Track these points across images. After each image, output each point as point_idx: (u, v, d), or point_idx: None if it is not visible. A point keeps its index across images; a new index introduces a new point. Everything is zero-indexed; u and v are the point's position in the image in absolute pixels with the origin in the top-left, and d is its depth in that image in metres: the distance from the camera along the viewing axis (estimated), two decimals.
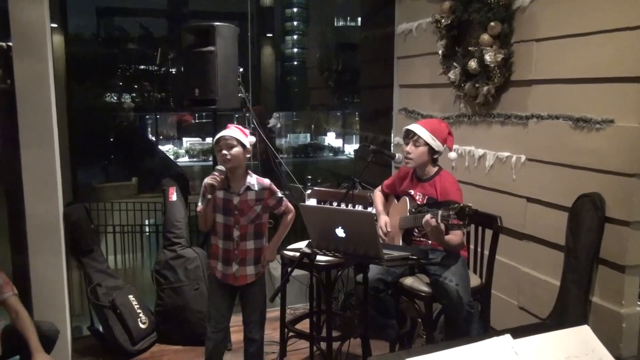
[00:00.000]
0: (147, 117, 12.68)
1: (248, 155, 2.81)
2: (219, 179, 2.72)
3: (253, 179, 2.84)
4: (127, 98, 12.24)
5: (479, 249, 3.00)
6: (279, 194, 2.88)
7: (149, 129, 12.90)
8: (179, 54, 3.92)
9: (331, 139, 14.05)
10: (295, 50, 12.01)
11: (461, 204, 2.39)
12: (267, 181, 2.86)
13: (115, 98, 12.35)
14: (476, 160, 3.44)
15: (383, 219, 2.99)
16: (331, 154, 13.59)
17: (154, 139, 12.91)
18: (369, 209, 3.43)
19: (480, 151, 3.40)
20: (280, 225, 2.91)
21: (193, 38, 3.54)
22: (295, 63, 12.41)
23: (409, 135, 2.85)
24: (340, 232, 2.36)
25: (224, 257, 2.83)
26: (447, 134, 2.85)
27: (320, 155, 13.49)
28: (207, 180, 2.71)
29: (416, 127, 2.84)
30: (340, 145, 13.86)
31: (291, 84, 12.36)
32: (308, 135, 13.69)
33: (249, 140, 2.81)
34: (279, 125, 2.93)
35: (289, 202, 2.90)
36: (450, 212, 2.41)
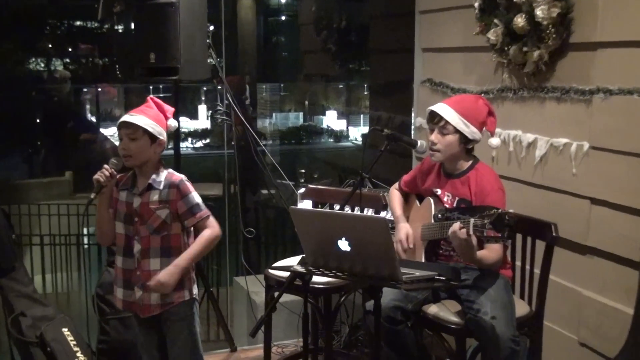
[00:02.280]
0: (85, 90, 12.69)
1: (160, 150, 2.83)
2: (107, 173, 2.74)
3: (161, 175, 2.83)
4: (58, 65, 12.24)
5: (528, 267, 3.02)
6: (195, 199, 2.82)
7: (89, 107, 12.90)
8: (128, 7, 3.94)
9: (331, 119, 14.07)
10: (284, 0, 12.03)
11: (500, 210, 2.42)
12: (178, 177, 2.85)
13: (43, 65, 12.33)
14: (524, 149, 3.46)
15: (403, 230, 3.02)
16: (331, 140, 13.62)
17: (95, 119, 12.92)
18: (383, 214, 3.47)
19: (530, 137, 3.42)
20: (194, 242, 2.84)
21: None
22: (284, 18, 12.41)
23: (434, 120, 2.88)
24: (343, 244, 2.38)
25: (125, 280, 2.85)
26: (487, 115, 2.88)
27: (317, 142, 13.52)
28: (95, 175, 2.75)
29: (443, 109, 2.86)
30: (344, 128, 13.88)
31: (278, 46, 12.32)
32: (300, 114, 13.71)
33: (160, 129, 2.80)
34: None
35: (211, 217, 2.84)
36: (485, 221, 2.44)
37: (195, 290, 2.92)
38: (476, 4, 3.57)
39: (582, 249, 3.17)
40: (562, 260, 3.21)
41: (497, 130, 3.56)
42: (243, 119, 4.06)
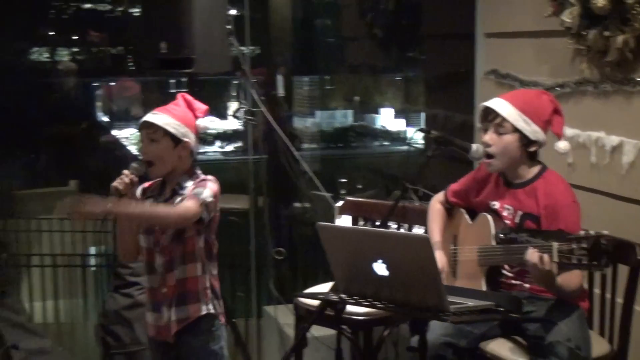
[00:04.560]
0: (95, 84, 12.92)
1: (186, 154, 2.88)
2: (127, 180, 2.80)
3: (189, 180, 2.92)
4: (64, 55, 12.49)
5: (608, 296, 3.00)
6: (204, 191, 2.82)
7: (99, 104, 13.13)
8: None
9: (387, 118, 14.07)
10: None
11: (592, 233, 2.43)
12: (204, 177, 2.93)
13: (47, 55, 12.61)
14: (607, 154, 3.45)
15: (439, 262, 3.02)
16: (387, 143, 13.61)
17: (106, 118, 13.14)
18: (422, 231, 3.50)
19: (614, 139, 3.42)
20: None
21: None
22: None
23: (488, 117, 2.89)
24: (380, 267, 2.42)
25: (153, 301, 2.95)
26: (552, 113, 2.89)
27: (369, 145, 13.54)
28: (114, 182, 2.80)
29: (499, 104, 2.87)
30: (402, 128, 13.87)
31: (322, 31, 12.36)
32: (350, 113, 13.73)
33: (186, 130, 2.85)
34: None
35: (198, 206, 2.79)
36: (574, 246, 2.44)
37: (218, 308, 2.99)
38: None
39: None
40: None
41: (575, 131, 3.59)
42: (271, 119, 4.13)
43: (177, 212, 2.80)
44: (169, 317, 2.91)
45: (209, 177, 2.95)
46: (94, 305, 6.98)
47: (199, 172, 2.96)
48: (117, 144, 10.95)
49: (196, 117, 2.97)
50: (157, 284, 2.92)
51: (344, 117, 13.76)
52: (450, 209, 3.21)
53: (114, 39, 11.73)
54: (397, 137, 13.56)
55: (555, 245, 2.52)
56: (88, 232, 7.61)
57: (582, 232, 2.50)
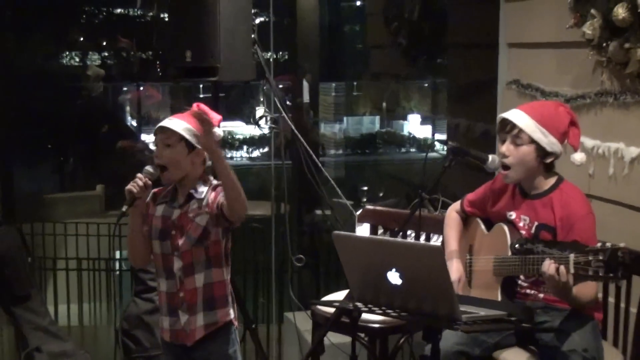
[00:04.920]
0: (124, 89, 13.03)
1: (199, 160, 2.94)
2: (141, 183, 2.83)
3: (203, 185, 2.96)
4: (95, 59, 12.59)
5: (622, 305, 3.02)
6: None
7: (128, 109, 13.24)
8: None
9: (414, 125, 14.10)
10: None
11: (608, 245, 2.45)
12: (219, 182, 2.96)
13: (77, 60, 12.73)
14: (626, 165, 3.46)
15: (455, 272, 3.07)
16: (413, 150, 13.64)
17: (134, 123, 13.26)
18: (437, 240, 3.53)
19: (634, 151, 3.42)
20: None
21: None
22: (358, 3, 12.50)
23: (506, 128, 2.92)
24: (394, 276, 2.45)
25: (169, 305, 2.98)
26: (568, 125, 2.91)
27: (396, 152, 13.56)
28: (128, 186, 2.84)
29: (516, 115, 2.91)
30: (429, 135, 13.89)
31: (349, 38, 12.40)
32: (377, 119, 13.77)
33: (198, 137, 2.86)
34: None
35: None
36: (591, 258, 2.47)
37: (234, 312, 3.05)
38: None
39: None
40: None
41: (595, 142, 3.60)
42: (292, 126, 4.17)
43: (244, 197, 2.81)
44: (191, 321, 2.94)
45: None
46: (117, 309, 7.04)
47: (211, 178, 3.01)
48: (145, 148, 11.03)
49: (202, 128, 2.98)
50: (174, 289, 2.96)
51: (371, 124, 13.82)
52: (466, 219, 3.24)
53: (143, 44, 11.85)
54: (424, 144, 13.59)
55: (572, 256, 2.55)
56: (113, 237, 7.69)
57: (599, 244, 2.53)
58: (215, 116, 3.04)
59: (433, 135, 13.60)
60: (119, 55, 12.47)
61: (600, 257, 2.47)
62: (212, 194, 2.93)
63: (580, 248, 2.56)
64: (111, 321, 6.87)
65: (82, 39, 12.26)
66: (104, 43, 12.27)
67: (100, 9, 12.87)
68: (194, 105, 3.04)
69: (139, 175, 2.86)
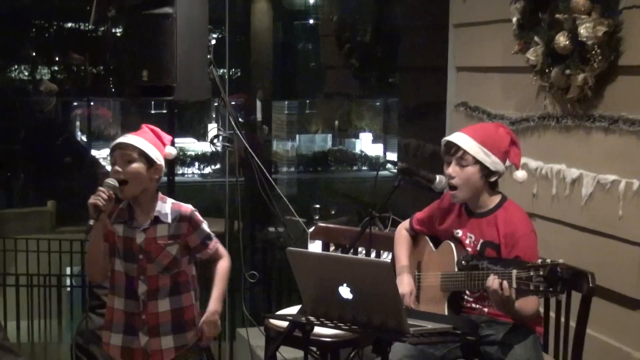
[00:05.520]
0: (75, 104, 12.97)
1: (157, 177, 3.03)
2: (105, 196, 2.86)
3: (166, 206, 3.05)
4: (45, 74, 12.49)
5: (562, 320, 3.11)
6: (206, 229, 3.07)
7: (78, 124, 13.17)
8: (121, 16, 4.20)
9: (366, 143, 14.23)
10: (312, 1, 12.21)
11: (548, 262, 2.58)
12: (187, 208, 3.07)
13: (27, 74, 12.62)
14: (567, 186, 3.61)
15: (407, 286, 3.18)
16: (365, 168, 13.77)
17: (85, 139, 13.19)
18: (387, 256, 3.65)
19: (575, 172, 3.56)
20: (215, 277, 3.11)
21: None
22: (311, 22, 12.59)
23: (451, 151, 3.06)
24: (345, 291, 2.55)
25: (127, 324, 3.03)
26: (509, 145, 3.04)
27: (347, 170, 13.68)
28: (90, 200, 2.87)
29: (460, 138, 3.04)
30: (381, 153, 14.04)
31: (301, 57, 12.49)
32: (329, 137, 13.88)
33: (158, 154, 3.00)
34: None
35: (220, 244, 3.13)
36: (532, 273, 2.60)
37: None
38: (514, 19, 3.74)
39: (633, 304, 3.28)
40: (609, 315, 3.35)
41: (538, 163, 3.75)
42: (246, 145, 4.26)
43: (229, 271, 3.16)
44: (153, 343, 3.01)
45: (185, 205, 3.08)
46: (68, 325, 7.02)
47: (162, 196, 3.09)
48: (95, 164, 11.00)
49: (163, 145, 3.09)
50: (137, 310, 3.01)
51: (324, 142, 13.94)
52: (415, 236, 3.36)
53: (95, 60, 11.82)
54: (375, 162, 13.73)
55: (514, 272, 2.66)
56: (64, 253, 7.68)
57: (539, 261, 2.64)
58: (166, 136, 3.13)
59: (385, 153, 13.75)
60: (70, 70, 12.39)
61: (541, 273, 2.58)
62: (185, 227, 3.02)
63: (522, 264, 2.68)
64: (62, 337, 6.85)
65: (33, 53, 12.17)
66: (57, 57, 12.20)
67: (51, 23, 12.77)
68: (143, 125, 3.13)
69: (101, 188, 2.89)
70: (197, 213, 3.08)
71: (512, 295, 2.69)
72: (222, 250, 3.14)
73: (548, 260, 2.61)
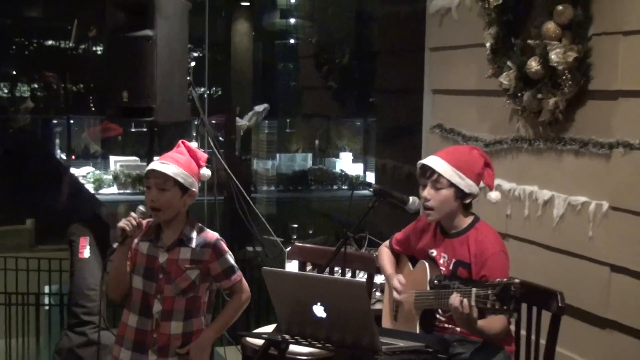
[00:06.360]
0: (54, 122, 12.97)
1: (190, 202, 3.10)
2: (134, 222, 2.98)
3: (193, 230, 3.12)
4: (25, 91, 12.52)
5: (533, 337, 3.19)
6: (230, 260, 3.15)
7: (57, 142, 13.16)
8: (101, 36, 4.27)
9: (346, 163, 14.31)
10: (294, 21, 12.31)
11: (504, 281, 2.66)
12: (213, 236, 3.15)
13: (6, 91, 12.64)
14: (540, 207, 3.71)
15: (395, 278, 3.26)
16: (345, 187, 13.83)
17: (64, 157, 13.18)
18: (378, 277, 3.71)
19: (546, 193, 3.67)
20: (225, 307, 3.19)
21: (122, 16, 3.88)
22: (292, 41, 12.70)
23: (426, 174, 3.14)
24: (319, 310, 2.61)
25: (137, 342, 3.09)
26: (482, 167, 3.13)
27: (328, 189, 13.73)
28: (120, 223, 2.99)
29: (434, 161, 3.12)
30: (361, 173, 14.11)
31: (281, 76, 12.60)
32: (309, 156, 13.95)
33: (193, 180, 3.05)
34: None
35: (243, 279, 3.19)
36: (489, 292, 2.67)
37: None
38: (488, 44, 3.85)
39: (601, 322, 3.38)
40: (579, 334, 3.44)
41: (512, 185, 3.85)
42: (224, 164, 4.33)
43: (243, 306, 3.20)
44: None
45: (212, 233, 3.16)
46: (47, 344, 7.02)
47: (190, 217, 3.15)
48: (74, 182, 11.00)
49: (199, 166, 3.14)
50: (148, 328, 3.07)
51: (304, 161, 14.00)
52: (397, 255, 3.45)
53: (75, 78, 11.85)
54: (355, 182, 13.79)
55: (473, 290, 2.74)
56: (42, 271, 7.68)
57: (497, 280, 2.72)
58: (203, 155, 3.18)
59: (365, 173, 13.84)
60: (49, 88, 12.42)
61: (496, 291, 2.66)
62: (209, 254, 3.09)
63: (483, 283, 2.77)
64: (40, 356, 6.85)
65: (13, 72, 12.20)
66: (37, 75, 12.24)
67: (31, 40, 12.81)
68: (180, 142, 3.16)
69: (132, 214, 2.99)
70: (222, 242, 3.14)
71: (472, 313, 2.76)
72: (244, 285, 3.19)
73: (504, 280, 2.68)
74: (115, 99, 3.87)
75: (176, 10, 3.87)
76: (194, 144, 3.30)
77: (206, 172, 3.18)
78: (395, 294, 3.23)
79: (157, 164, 3.04)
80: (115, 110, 3.94)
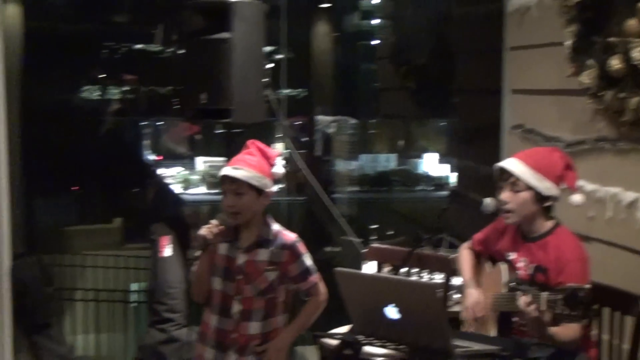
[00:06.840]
0: (142, 124, 13.22)
1: (267, 202, 3.12)
2: (215, 230, 3.03)
3: (270, 231, 3.15)
4: (114, 94, 12.80)
5: (615, 342, 3.15)
6: (307, 262, 3.16)
7: (147, 143, 13.41)
8: (182, 39, 4.35)
9: (431, 164, 14.15)
10: (374, 22, 12.25)
11: (573, 286, 2.62)
12: (290, 238, 3.17)
13: (98, 93, 12.94)
14: (623, 209, 3.61)
15: (473, 296, 3.22)
16: (431, 188, 13.66)
17: (152, 157, 13.42)
18: (455, 280, 3.68)
19: (631, 195, 3.57)
20: (302, 309, 3.20)
21: (201, 20, 3.95)
22: (373, 43, 12.63)
23: (503, 176, 3.10)
24: (392, 311, 2.63)
25: (218, 341, 3.14)
26: (564, 169, 3.07)
27: (412, 190, 13.62)
28: (201, 230, 3.04)
29: (512, 164, 3.08)
30: (447, 173, 13.91)
31: (365, 77, 12.55)
32: (392, 157, 13.85)
33: (267, 181, 3.07)
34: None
35: (320, 281, 3.19)
36: (559, 297, 2.64)
37: None
38: (568, 42, 3.77)
39: None
40: None
41: (594, 186, 3.75)
42: (302, 164, 4.34)
43: (319, 309, 3.21)
44: None
45: (290, 234, 3.18)
46: (133, 339, 7.19)
47: (268, 217, 3.18)
48: (160, 182, 11.20)
49: (271, 165, 3.15)
50: (230, 328, 3.12)
51: (387, 162, 13.90)
52: (478, 256, 3.41)
53: (161, 81, 12.05)
54: (441, 183, 13.63)
55: (544, 295, 2.71)
56: (130, 269, 7.88)
57: (567, 284, 2.69)
58: (273, 153, 3.18)
59: (451, 174, 13.67)
60: (137, 91, 12.67)
61: (564, 296, 2.63)
62: (287, 255, 3.12)
63: (556, 288, 2.74)
64: (127, 352, 7.02)
65: (103, 75, 12.48)
66: (124, 78, 12.50)
67: (120, 45, 13.08)
68: (248, 143, 3.19)
69: (213, 221, 3.04)
70: (300, 243, 3.16)
71: (542, 317, 2.74)
72: (321, 288, 3.20)
73: (574, 285, 2.66)
74: (194, 100, 3.93)
75: (252, 13, 3.91)
76: (277, 146, 3.30)
77: (279, 169, 3.19)
78: (466, 314, 3.20)
79: (229, 169, 3.07)
80: (194, 112, 4.00)
